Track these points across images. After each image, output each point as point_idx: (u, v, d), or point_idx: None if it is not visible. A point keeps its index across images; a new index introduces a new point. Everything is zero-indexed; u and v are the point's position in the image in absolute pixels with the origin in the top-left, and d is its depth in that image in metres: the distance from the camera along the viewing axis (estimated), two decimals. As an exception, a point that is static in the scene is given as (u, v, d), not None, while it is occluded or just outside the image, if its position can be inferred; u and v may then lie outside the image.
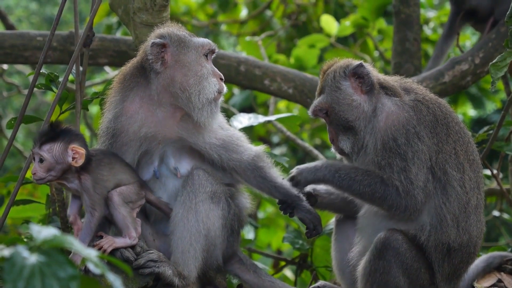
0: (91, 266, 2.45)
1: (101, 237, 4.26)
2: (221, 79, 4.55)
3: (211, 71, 4.51)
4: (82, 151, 4.17)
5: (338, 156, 4.71)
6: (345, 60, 4.67)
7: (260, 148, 4.69)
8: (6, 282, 2.29)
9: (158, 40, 4.44)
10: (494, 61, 4.88)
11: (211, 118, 4.47)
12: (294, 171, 4.61)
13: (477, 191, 4.47)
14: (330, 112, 4.58)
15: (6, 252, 2.34)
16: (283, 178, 4.65)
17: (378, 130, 4.43)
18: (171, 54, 4.45)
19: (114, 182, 4.29)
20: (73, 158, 4.17)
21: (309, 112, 4.73)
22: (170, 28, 4.55)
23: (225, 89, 4.57)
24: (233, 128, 4.76)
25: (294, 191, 4.61)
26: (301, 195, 4.62)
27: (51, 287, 2.33)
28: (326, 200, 4.81)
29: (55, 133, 4.19)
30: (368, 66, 4.58)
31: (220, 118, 4.67)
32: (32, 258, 2.36)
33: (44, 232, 2.46)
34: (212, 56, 4.60)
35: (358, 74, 4.54)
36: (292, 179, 4.61)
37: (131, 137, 4.45)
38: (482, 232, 4.54)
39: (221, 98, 4.57)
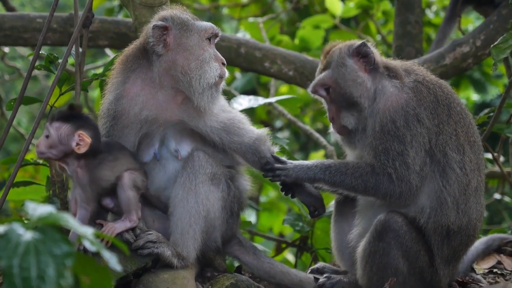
0: (86, 244, 2.45)
1: (101, 225, 4.26)
2: (223, 63, 4.53)
3: (213, 56, 4.49)
4: (88, 140, 4.17)
5: (337, 137, 4.67)
6: (348, 41, 4.65)
7: (262, 130, 4.68)
8: (1, 259, 2.30)
9: (160, 22, 4.42)
10: (496, 43, 4.86)
11: (212, 103, 4.46)
12: (289, 165, 4.56)
13: (478, 173, 4.45)
14: (334, 88, 4.54)
15: (1, 229, 2.34)
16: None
17: (377, 112, 4.41)
18: (174, 37, 4.43)
19: (115, 176, 4.30)
20: (77, 144, 4.17)
21: (310, 87, 4.69)
22: (174, 11, 4.53)
23: (226, 74, 4.55)
24: (235, 110, 4.75)
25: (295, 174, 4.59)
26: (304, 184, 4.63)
27: (46, 264, 2.33)
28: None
29: (70, 115, 4.21)
30: (371, 46, 4.57)
31: (222, 100, 4.66)
32: (27, 235, 2.37)
33: (40, 210, 2.47)
34: (216, 40, 4.58)
35: (362, 53, 4.52)
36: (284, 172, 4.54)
37: (132, 119, 4.44)
38: (482, 215, 4.52)
39: (223, 83, 4.56)
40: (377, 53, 4.59)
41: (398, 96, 4.41)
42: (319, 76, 4.61)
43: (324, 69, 4.61)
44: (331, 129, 4.67)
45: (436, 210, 4.34)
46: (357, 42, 4.58)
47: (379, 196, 4.36)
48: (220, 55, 4.54)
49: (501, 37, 4.84)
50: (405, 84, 4.45)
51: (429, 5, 9.77)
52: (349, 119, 4.50)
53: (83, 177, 4.22)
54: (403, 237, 4.32)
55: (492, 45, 4.84)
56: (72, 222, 2.46)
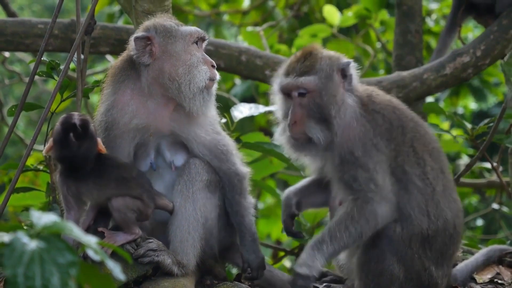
0: (90, 253, 2.45)
1: (102, 233, 4.26)
2: (212, 66, 4.51)
3: (201, 59, 4.47)
4: (49, 144, 4.16)
5: (288, 141, 4.50)
6: (333, 52, 4.55)
7: (246, 171, 4.66)
8: (6, 268, 2.30)
9: (140, 34, 4.44)
10: (505, 58, 4.89)
11: (205, 107, 4.44)
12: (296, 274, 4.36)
13: (442, 176, 4.49)
14: (313, 96, 4.38)
15: (6, 238, 2.34)
16: (252, 215, 4.62)
17: (337, 144, 4.37)
18: (158, 45, 4.43)
19: (104, 197, 4.25)
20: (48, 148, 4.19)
21: (284, 84, 4.47)
22: (157, 19, 4.53)
23: (217, 76, 4.52)
24: (225, 134, 4.71)
25: (253, 228, 4.61)
26: (257, 236, 4.63)
27: (51, 273, 2.34)
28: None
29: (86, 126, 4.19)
30: (354, 67, 4.49)
31: (215, 118, 4.64)
32: (32, 244, 2.37)
33: (44, 219, 2.47)
34: (204, 44, 4.57)
35: (345, 72, 4.44)
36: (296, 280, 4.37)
37: (122, 129, 4.43)
38: (459, 209, 4.55)
39: (214, 86, 4.53)
40: (356, 76, 4.52)
41: (355, 129, 4.37)
42: (301, 79, 4.40)
43: (305, 73, 4.42)
44: (283, 131, 4.52)
45: (403, 223, 4.36)
46: (344, 58, 4.50)
47: (380, 222, 4.32)
48: (209, 58, 4.53)
49: (509, 53, 4.86)
50: (362, 114, 4.40)
51: (429, 14, 9.80)
52: (316, 131, 4.36)
53: (61, 185, 4.23)
54: (397, 242, 4.32)
55: (502, 62, 4.85)
56: (76, 231, 2.46)
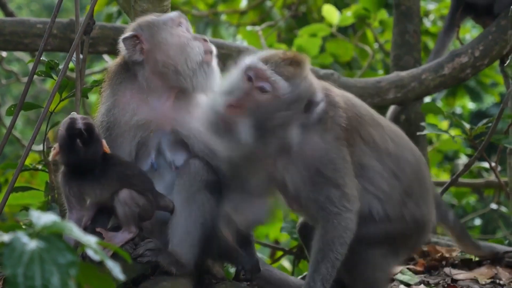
0: (90, 253, 2.45)
1: (100, 233, 4.27)
2: (204, 40, 4.50)
3: (190, 37, 4.49)
4: (56, 150, 4.19)
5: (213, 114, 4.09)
6: (318, 82, 4.24)
7: None
8: (5, 267, 2.30)
9: (127, 34, 4.48)
10: (507, 62, 4.92)
11: (209, 82, 4.43)
12: None
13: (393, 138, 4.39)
14: (269, 100, 4.00)
15: (6, 237, 2.34)
16: None
17: (303, 162, 4.15)
18: (146, 40, 4.47)
19: (109, 193, 4.27)
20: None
21: (256, 66, 4.05)
22: (140, 18, 4.60)
23: (213, 48, 4.50)
24: None
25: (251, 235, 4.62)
26: (252, 238, 4.61)
27: (50, 273, 2.33)
28: None
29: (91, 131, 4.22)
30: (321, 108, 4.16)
31: None
32: (32, 244, 2.36)
33: (44, 218, 2.46)
34: (188, 23, 4.59)
35: (311, 106, 4.10)
36: None
37: (123, 128, 4.44)
38: (421, 158, 4.50)
39: (214, 60, 4.49)
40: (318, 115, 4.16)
41: (321, 147, 4.14)
42: (277, 77, 4.01)
43: (283, 75, 4.01)
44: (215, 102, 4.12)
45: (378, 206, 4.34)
46: (320, 95, 4.12)
47: (352, 233, 4.18)
48: (198, 35, 4.55)
49: (510, 56, 4.89)
50: (327, 129, 4.16)
51: (426, 14, 9.82)
52: (246, 133, 3.98)
53: (63, 186, 4.25)
54: (373, 240, 4.30)
55: (505, 64, 4.88)
56: (76, 231, 2.46)
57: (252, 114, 3.98)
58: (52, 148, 4.26)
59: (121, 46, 4.50)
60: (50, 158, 4.27)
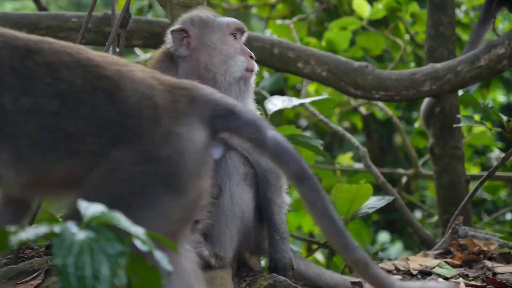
0: (138, 243, 2.46)
1: None
2: (251, 57, 4.49)
3: (238, 50, 4.46)
4: None
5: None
6: None
7: None
8: (56, 257, 2.32)
9: (176, 27, 4.45)
10: None
11: (241, 98, 4.42)
12: None
13: None
14: None
15: (57, 228, 2.36)
16: (284, 214, 4.58)
17: None
18: (195, 36, 4.44)
19: None
20: None
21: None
22: (194, 12, 4.55)
23: (255, 67, 4.50)
24: None
25: (283, 227, 4.54)
26: (286, 235, 4.55)
27: (100, 263, 2.35)
28: None
29: None
30: None
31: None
32: (81, 234, 2.38)
33: (92, 209, 2.48)
34: (243, 37, 4.56)
35: None
36: None
37: None
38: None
39: (253, 78, 4.51)
40: None
41: None
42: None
43: None
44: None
45: None
46: None
47: None
48: (247, 49, 4.50)
49: None
50: None
51: (458, 5, 9.71)
52: None
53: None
54: None
55: None
56: (124, 221, 2.47)
57: None
58: None
59: (168, 37, 4.47)
60: None
